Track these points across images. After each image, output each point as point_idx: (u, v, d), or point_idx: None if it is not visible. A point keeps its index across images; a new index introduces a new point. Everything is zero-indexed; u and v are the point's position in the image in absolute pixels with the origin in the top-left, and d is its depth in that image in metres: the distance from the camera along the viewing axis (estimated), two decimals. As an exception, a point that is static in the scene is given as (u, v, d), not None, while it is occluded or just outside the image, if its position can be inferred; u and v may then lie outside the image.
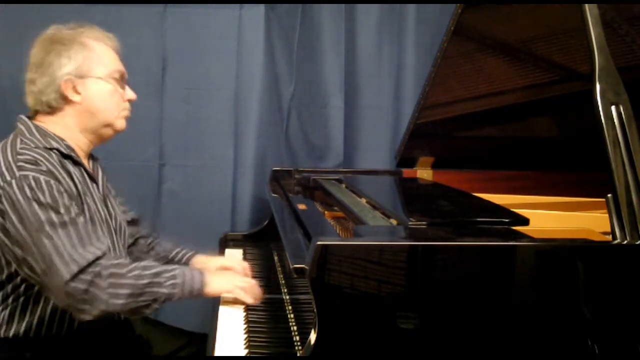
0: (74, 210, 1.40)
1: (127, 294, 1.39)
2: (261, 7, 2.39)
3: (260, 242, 2.17)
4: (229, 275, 1.62)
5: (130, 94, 1.61)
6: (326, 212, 1.83)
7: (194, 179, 2.45)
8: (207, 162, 2.45)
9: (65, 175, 1.44)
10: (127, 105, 1.60)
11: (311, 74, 2.52)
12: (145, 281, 1.41)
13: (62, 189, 1.40)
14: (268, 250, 2.05)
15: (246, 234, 2.24)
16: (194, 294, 1.49)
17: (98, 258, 1.38)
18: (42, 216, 1.35)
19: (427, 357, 1.13)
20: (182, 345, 1.77)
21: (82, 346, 1.46)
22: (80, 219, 1.41)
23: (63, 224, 1.37)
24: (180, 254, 1.81)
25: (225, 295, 1.57)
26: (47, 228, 1.35)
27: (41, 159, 1.41)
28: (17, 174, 1.37)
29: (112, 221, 1.59)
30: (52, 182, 1.39)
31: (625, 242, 1.21)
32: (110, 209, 1.62)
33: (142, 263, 1.47)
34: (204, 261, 1.78)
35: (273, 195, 2.09)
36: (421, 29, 2.51)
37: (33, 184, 1.36)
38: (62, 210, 1.37)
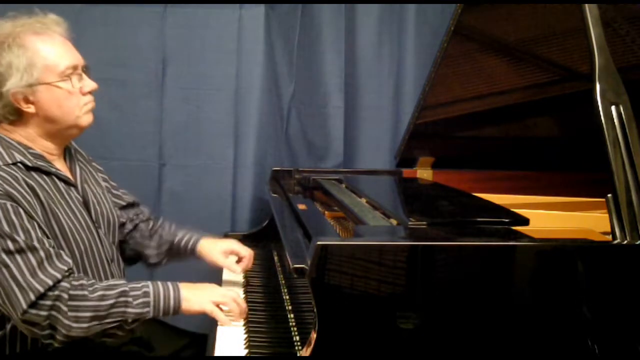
0: (34, 232, 1.34)
1: (90, 317, 1.33)
2: (261, 7, 2.39)
3: (260, 242, 2.17)
4: (209, 291, 1.49)
5: (89, 85, 1.48)
6: (326, 212, 1.83)
7: (194, 179, 2.45)
8: (207, 162, 2.45)
9: (27, 193, 1.37)
10: (87, 99, 1.48)
11: (311, 74, 2.51)
12: (110, 302, 1.35)
13: (20, 211, 1.33)
14: (268, 250, 2.05)
15: (246, 234, 2.23)
16: (170, 312, 1.42)
17: (58, 281, 1.33)
18: None
19: (427, 357, 1.13)
20: (183, 345, 1.76)
21: (83, 348, 1.45)
22: (42, 242, 1.35)
23: (20, 250, 1.31)
24: (185, 239, 1.75)
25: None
26: (3, 256, 1.31)
27: None
28: None
29: (97, 221, 1.54)
30: (9, 204, 1.32)
31: (625, 242, 1.21)
32: (95, 205, 1.56)
33: (108, 282, 1.40)
34: (209, 245, 1.73)
35: (273, 195, 2.09)
36: (421, 29, 2.51)
37: None
38: (20, 236, 1.32)
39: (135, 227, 1.77)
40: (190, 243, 1.74)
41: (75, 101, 1.46)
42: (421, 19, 2.51)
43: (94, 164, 1.70)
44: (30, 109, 1.43)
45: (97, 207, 1.57)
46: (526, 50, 1.90)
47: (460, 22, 1.82)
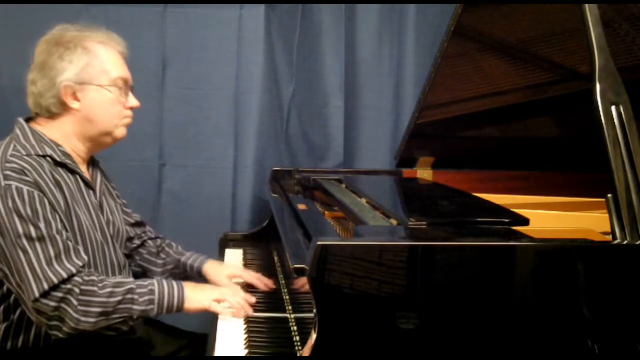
0: (55, 224, 1.38)
1: (98, 312, 1.37)
2: (261, 7, 2.39)
3: (260, 242, 2.17)
4: (209, 290, 1.55)
5: (133, 101, 1.57)
6: (326, 212, 1.83)
7: (194, 179, 2.45)
8: (207, 162, 2.45)
9: (53, 185, 1.42)
10: (128, 113, 1.57)
11: (311, 74, 2.51)
12: (117, 298, 1.39)
13: (45, 201, 1.38)
14: (268, 250, 2.05)
15: (246, 234, 2.24)
16: (172, 310, 1.46)
17: (72, 275, 1.36)
18: (20, 229, 1.34)
19: (427, 357, 1.13)
20: (183, 345, 1.77)
21: (84, 348, 1.45)
22: (62, 234, 1.39)
23: (40, 238, 1.35)
24: (192, 258, 1.77)
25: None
26: (24, 241, 1.34)
27: (29, 168, 1.39)
28: (2, 183, 1.36)
29: (108, 227, 1.58)
30: (36, 193, 1.37)
31: (625, 242, 1.21)
32: (108, 214, 1.60)
33: (116, 279, 1.44)
34: (216, 268, 1.75)
35: (273, 195, 2.09)
36: (421, 29, 2.51)
37: (15, 194, 1.35)
38: (41, 224, 1.36)
39: (143, 243, 1.81)
40: (197, 263, 1.76)
41: (117, 110, 1.54)
42: (421, 19, 2.51)
43: (112, 183, 1.74)
44: (75, 105, 1.49)
45: (110, 215, 1.61)
46: (526, 50, 1.90)
47: (460, 22, 1.82)
